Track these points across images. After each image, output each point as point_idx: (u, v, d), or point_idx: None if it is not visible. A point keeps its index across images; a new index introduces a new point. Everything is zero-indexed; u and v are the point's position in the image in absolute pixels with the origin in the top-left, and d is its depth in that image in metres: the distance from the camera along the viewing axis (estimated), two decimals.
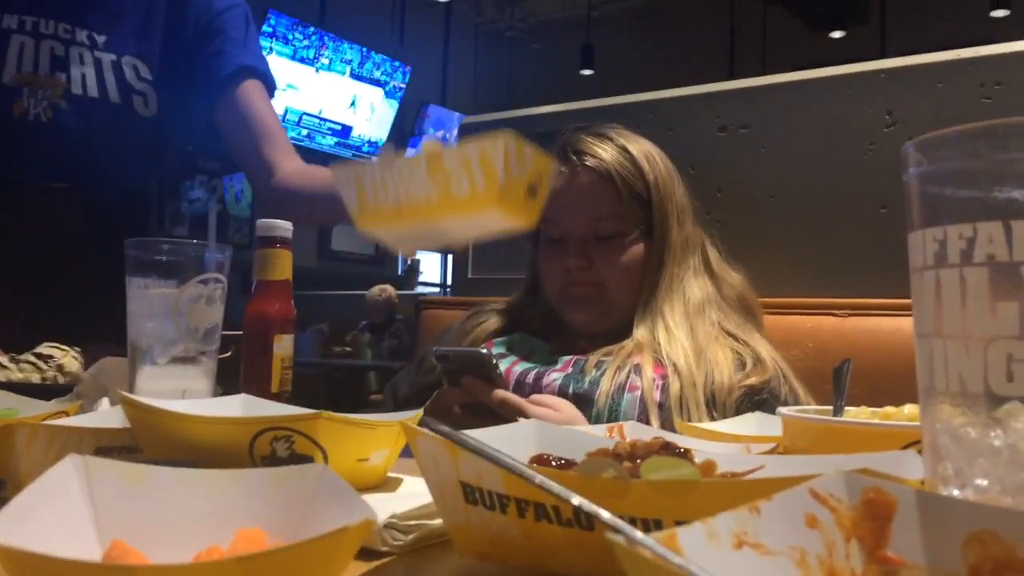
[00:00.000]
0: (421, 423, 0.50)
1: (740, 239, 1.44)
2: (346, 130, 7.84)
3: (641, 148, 1.27)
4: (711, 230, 1.37)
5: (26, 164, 1.34)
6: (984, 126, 0.38)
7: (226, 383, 0.89)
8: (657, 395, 1.13)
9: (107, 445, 0.66)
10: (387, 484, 0.72)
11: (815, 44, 7.37)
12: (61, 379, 0.98)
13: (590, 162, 1.24)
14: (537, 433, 0.61)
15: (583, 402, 1.13)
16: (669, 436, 0.64)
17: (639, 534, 0.30)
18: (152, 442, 0.66)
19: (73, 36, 1.35)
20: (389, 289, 5.61)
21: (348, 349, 5.52)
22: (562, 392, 1.16)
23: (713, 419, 1.08)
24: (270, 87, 1.47)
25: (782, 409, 0.74)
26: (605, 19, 8.29)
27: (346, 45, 7.58)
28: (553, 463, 0.53)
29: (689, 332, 1.19)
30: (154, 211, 6.18)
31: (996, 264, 0.38)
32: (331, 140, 7.74)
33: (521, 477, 0.40)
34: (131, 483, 0.43)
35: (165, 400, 0.69)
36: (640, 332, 1.22)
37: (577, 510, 0.37)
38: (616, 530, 0.31)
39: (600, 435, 0.68)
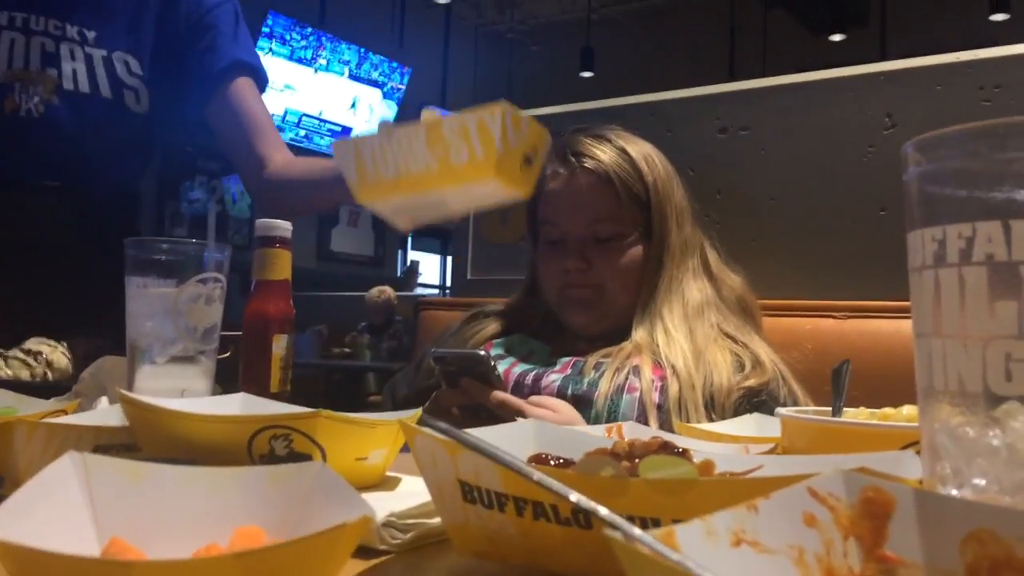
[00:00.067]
0: (419, 422, 0.50)
1: (740, 241, 1.45)
2: (346, 131, 7.84)
3: (640, 150, 1.27)
4: (710, 232, 1.37)
5: (18, 160, 1.34)
6: (983, 126, 0.38)
7: (225, 383, 0.89)
8: (656, 397, 1.13)
9: (106, 443, 0.66)
10: (386, 483, 0.72)
11: (815, 47, 7.39)
12: (51, 376, 0.98)
13: (589, 164, 1.24)
14: (536, 433, 0.61)
15: (582, 403, 1.13)
16: (667, 436, 0.64)
17: (637, 530, 0.30)
18: (151, 440, 0.66)
19: (63, 32, 1.35)
20: (388, 290, 5.61)
21: (347, 350, 5.51)
22: (561, 393, 1.16)
23: (712, 421, 1.08)
24: (262, 81, 1.47)
25: (781, 410, 0.74)
26: (605, 21, 8.29)
27: (344, 45, 7.58)
28: (551, 462, 0.53)
29: (688, 334, 1.19)
30: (149, 210, 6.21)
31: (995, 264, 0.38)
32: (330, 141, 7.75)
33: (519, 474, 0.40)
34: (130, 480, 0.43)
35: (164, 399, 0.69)
36: (639, 334, 1.22)
37: (575, 508, 0.37)
38: (614, 526, 0.31)
39: (599, 435, 0.68)
